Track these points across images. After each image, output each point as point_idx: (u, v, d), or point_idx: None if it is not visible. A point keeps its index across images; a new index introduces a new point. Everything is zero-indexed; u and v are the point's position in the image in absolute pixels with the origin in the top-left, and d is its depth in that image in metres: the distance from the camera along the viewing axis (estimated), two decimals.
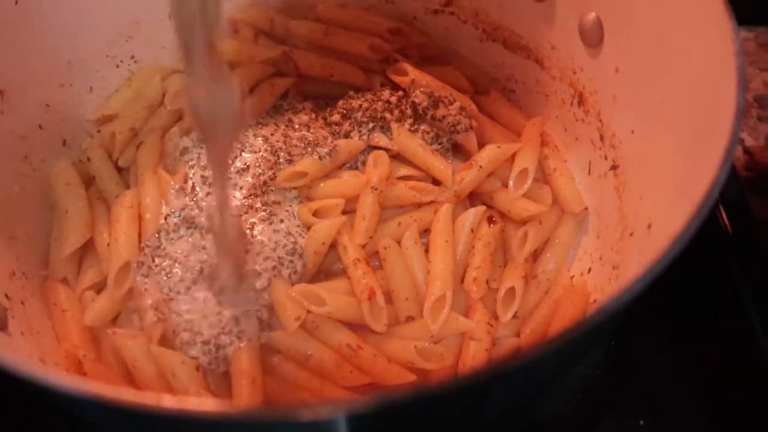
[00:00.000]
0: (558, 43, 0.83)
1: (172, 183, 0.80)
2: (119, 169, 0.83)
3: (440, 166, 0.82)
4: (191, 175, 0.81)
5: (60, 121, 0.80)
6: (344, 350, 0.69)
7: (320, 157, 0.80)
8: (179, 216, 0.77)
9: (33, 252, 0.73)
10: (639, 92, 0.69)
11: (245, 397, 0.64)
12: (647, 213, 0.64)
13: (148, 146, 0.82)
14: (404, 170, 0.84)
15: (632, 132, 0.71)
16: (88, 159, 0.81)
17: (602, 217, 0.79)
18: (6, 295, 0.61)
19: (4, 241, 0.66)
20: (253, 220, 0.77)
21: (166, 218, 0.77)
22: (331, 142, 0.83)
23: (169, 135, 0.84)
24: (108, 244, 0.75)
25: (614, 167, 0.76)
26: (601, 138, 0.79)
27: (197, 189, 0.79)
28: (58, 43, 0.77)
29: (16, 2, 0.70)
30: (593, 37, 0.76)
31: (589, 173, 0.83)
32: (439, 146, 0.85)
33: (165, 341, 0.69)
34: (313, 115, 0.87)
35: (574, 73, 0.82)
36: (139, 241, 0.75)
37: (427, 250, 0.78)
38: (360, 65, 0.93)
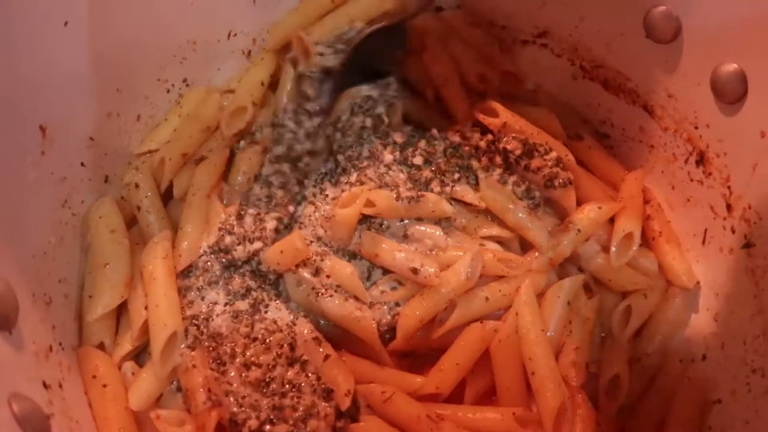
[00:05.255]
0: (678, 91, 0.72)
1: (222, 216, 0.70)
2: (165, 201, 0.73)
3: (534, 229, 0.71)
4: (245, 212, 0.71)
5: (103, 155, 0.69)
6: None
7: (398, 198, 0.69)
8: (215, 255, 0.68)
9: (68, 314, 0.62)
10: None
11: None
12: None
13: (210, 165, 0.72)
14: (491, 229, 0.73)
15: None
16: (136, 185, 0.70)
17: (722, 298, 0.69)
18: (44, 383, 0.51)
19: (39, 310, 0.56)
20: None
21: (201, 256, 0.68)
22: (412, 188, 0.72)
23: (243, 157, 0.74)
24: (146, 308, 0.63)
25: (748, 245, 0.65)
26: (728, 208, 0.68)
27: (245, 225, 0.70)
28: (109, 68, 0.66)
29: (66, 24, 0.59)
30: (731, 92, 0.65)
31: (703, 243, 0.72)
32: (530, 201, 0.74)
33: (220, 429, 0.59)
34: (398, 154, 0.75)
35: (696, 128, 0.71)
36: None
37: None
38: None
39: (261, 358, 0.62)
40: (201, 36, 0.76)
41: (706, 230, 0.72)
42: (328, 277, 0.67)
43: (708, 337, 0.69)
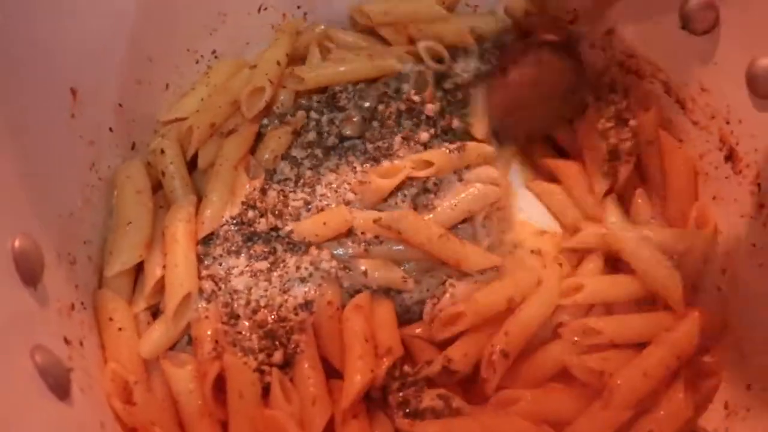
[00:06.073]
0: (712, 85, 0.70)
1: (248, 188, 0.70)
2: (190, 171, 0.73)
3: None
4: (269, 186, 0.71)
5: (131, 122, 0.70)
6: None
7: (449, 151, 0.72)
8: (237, 227, 0.68)
9: (91, 276, 0.64)
10: None
11: None
12: None
13: (240, 137, 0.73)
14: None
15: None
16: (162, 151, 0.70)
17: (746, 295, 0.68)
18: (65, 339, 0.52)
19: (64, 269, 0.57)
20: None
21: (222, 225, 0.68)
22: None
23: (273, 135, 0.74)
24: (163, 267, 0.65)
25: None
26: (760, 206, 0.67)
27: (267, 200, 0.70)
28: (141, 36, 0.67)
29: None
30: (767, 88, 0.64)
31: None
32: None
33: (221, 381, 0.60)
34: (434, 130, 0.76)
35: (728, 123, 0.70)
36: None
37: None
38: None
39: (274, 313, 0.63)
40: (231, 8, 0.76)
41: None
42: (363, 234, 0.67)
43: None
